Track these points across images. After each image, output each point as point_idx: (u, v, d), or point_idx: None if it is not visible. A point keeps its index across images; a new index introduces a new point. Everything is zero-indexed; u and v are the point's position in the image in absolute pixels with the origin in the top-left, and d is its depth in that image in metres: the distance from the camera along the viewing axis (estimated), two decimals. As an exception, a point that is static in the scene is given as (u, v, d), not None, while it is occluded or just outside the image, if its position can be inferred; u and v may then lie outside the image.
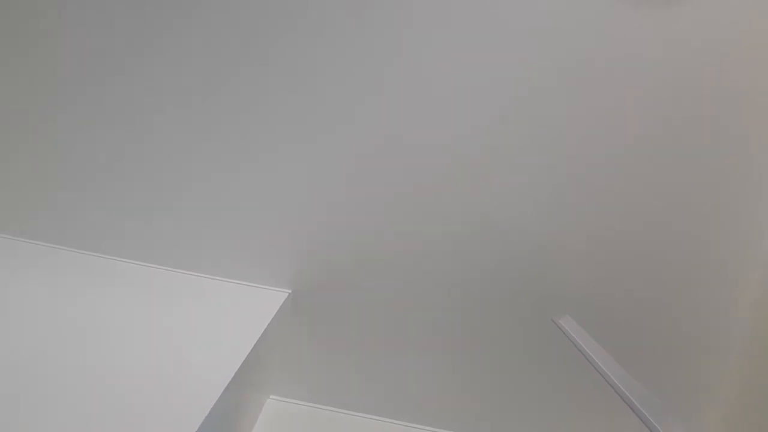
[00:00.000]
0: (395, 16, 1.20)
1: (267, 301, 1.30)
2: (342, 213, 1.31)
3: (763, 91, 1.18)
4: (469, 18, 1.18)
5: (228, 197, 1.32)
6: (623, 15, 1.16)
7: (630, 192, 1.25)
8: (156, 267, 1.38)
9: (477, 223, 1.29)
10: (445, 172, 1.27)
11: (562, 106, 1.22)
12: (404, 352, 1.39)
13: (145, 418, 0.82)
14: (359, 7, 1.20)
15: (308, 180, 1.30)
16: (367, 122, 1.25)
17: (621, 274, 1.30)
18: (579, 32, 1.18)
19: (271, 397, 1.43)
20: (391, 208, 1.30)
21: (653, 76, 1.19)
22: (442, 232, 1.30)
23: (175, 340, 1.06)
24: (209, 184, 1.32)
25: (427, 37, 1.20)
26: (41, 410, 0.80)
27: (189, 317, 1.16)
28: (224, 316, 1.20)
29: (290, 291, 1.37)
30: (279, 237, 1.34)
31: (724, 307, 1.30)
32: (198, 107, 1.27)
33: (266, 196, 1.31)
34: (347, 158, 1.28)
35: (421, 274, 1.34)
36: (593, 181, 1.25)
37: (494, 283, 1.33)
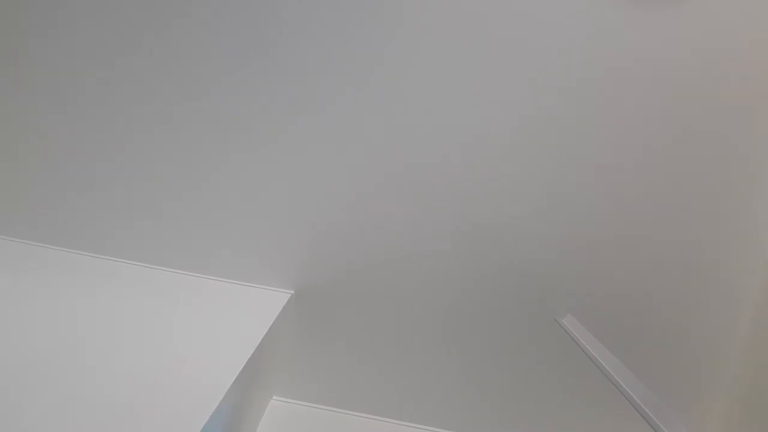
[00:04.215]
0: (411, 23, 1.19)
1: (270, 302, 1.30)
2: (345, 215, 1.31)
3: (765, 93, 1.17)
4: (474, 26, 1.18)
5: (231, 199, 1.33)
6: (632, 20, 1.15)
7: (633, 195, 1.24)
8: (159, 268, 1.39)
9: (480, 225, 1.29)
10: (449, 175, 1.27)
11: (567, 113, 1.21)
12: (407, 353, 1.40)
13: (149, 417, 0.83)
14: (371, 10, 1.19)
15: (311, 182, 1.30)
16: (373, 125, 1.25)
17: (624, 275, 1.29)
18: (581, 37, 1.17)
19: (274, 397, 1.44)
20: (395, 210, 1.30)
21: (659, 82, 1.17)
22: (446, 233, 1.30)
23: (179, 342, 1.07)
24: (213, 186, 1.32)
25: (439, 45, 1.19)
26: (45, 411, 0.81)
27: (193, 318, 1.17)
28: (228, 317, 1.20)
29: (293, 292, 1.37)
30: (282, 238, 1.34)
31: (727, 308, 1.29)
32: (199, 108, 1.28)
33: (269, 197, 1.32)
34: (351, 161, 1.28)
35: (424, 276, 1.34)
36: (597, 185, 1.25)
37: (497, 283, 1.32)
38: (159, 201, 1.34)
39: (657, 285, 1.29)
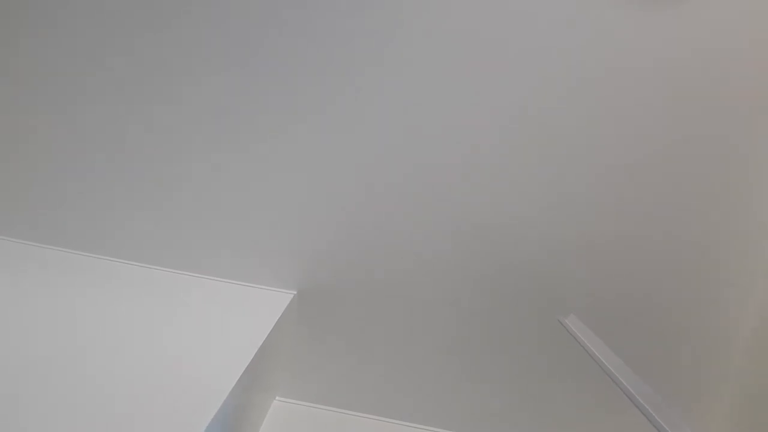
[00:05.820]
0: (411, 23, 1.18)
1: (273, 302, 1.30)
2: (348, 215, 1.31)
3: (765, 93, 1.18)
4: (474, 26, 1.18)
5: (234, 199, 1.32)
6: (632, 20, 1.14)
7: (633, 195, 1.24)
8: (161, 269, 1.39)
9: (480, 225, 1.29)
10: (449, 175, 1.27)
11: (567, 113, 1.21)
12: (408, 353, 1.40)
13: (151, 418, 0.83)
14: (371, 11, 1.19)
15: (315, 182, 1.30)
16: (374, 125, 1.25)
17: (624, 275, 1.29)
18: (581, 37, 1.16)
19: (277, 398, 1.44)
20: (398, 211, 1.30)
21: (659, 82, 1.17)
22: (446, 233, 1.30)
23: (181, 342, 1.07)
24: (215, 186, 1.32)
25: (439, 45, 1.19)
26: (44, 412, 0.81)
27: (195, 319, 1.17)
28: (230, 317, 1.20)
29: (296, 292, 1.37)
30: (285, 238, 1.34)
31: (727, 308, 1.30)
32: (199, 108, 1.27)
33: (272, 197, 1.32)
34: (353, 161, 1.28)
35: (425, 276, 1.34)
36: (597, 185, 1.25)
37: (497, 283, 1.33)
38: (159, 201, 1.34)
39: (657, 285, 1.30)
